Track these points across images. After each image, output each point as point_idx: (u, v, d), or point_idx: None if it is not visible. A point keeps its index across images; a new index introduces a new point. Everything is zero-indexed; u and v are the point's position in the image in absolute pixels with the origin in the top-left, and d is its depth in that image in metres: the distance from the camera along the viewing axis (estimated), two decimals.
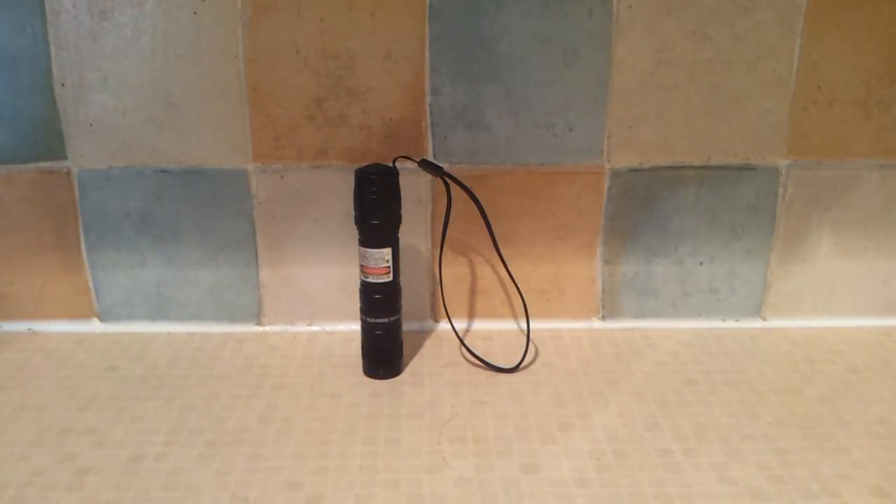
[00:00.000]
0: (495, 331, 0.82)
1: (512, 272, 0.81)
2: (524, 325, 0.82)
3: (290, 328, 0.83)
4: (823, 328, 0.83)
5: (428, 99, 0.75)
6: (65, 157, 0.77)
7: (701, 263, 0.81)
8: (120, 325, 0.82)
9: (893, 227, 0.81)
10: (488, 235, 0.75)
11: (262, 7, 0.72)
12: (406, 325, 0.78)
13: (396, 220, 0.71)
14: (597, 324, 0.83)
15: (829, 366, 0.76)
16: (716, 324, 0.83)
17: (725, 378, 0.73)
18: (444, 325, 0.83)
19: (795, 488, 0.58)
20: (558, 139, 0.77)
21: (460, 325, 0.83)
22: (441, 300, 0.82)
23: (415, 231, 0.80)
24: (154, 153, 0.77)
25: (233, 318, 0.82)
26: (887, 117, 0.77)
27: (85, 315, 0.82)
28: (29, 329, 0.82)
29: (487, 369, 0.75)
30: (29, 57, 0.73)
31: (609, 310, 0.83)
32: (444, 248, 0.81)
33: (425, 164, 0.73)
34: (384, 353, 0.74)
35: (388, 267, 0.71)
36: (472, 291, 0.82)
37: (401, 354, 0.75)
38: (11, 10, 0.72)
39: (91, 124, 0.76)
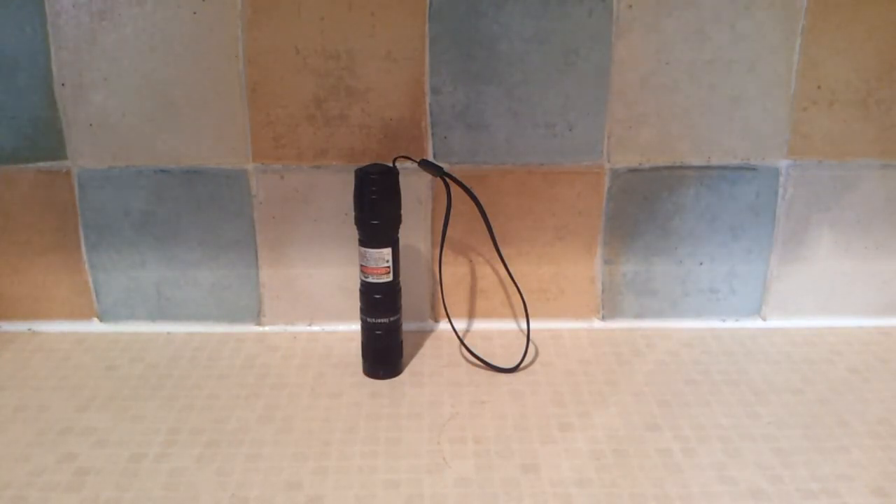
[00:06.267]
0: (495, 331, 0.82)
1: (512, 272, 0.81)
2: (524, 325, 0.82)
3: (290, 328, 0.83)
4: (823, 328, 0.83)
5: (428, 99, 0.75)
6: (65, 157, 0.77)
7: (701, 263, 0.81)
8: (120, 325, 0.82)
9: (893, 226, 0.81)
10: (488, 235, 0.75)
11: (262, 7, 0.72)
12: (406, 325, 0.79)
13: (396, 220, 0.71)
14: (597, 324, 0.83)
15: (829, 366, 0.76)
16: (716, 324, 0.83)
17: (725, 378, 0.73)
18: (444, 325, 0.83)
19: (795, 488, 0.58)
20: (558, 139, 0.77)
21: (460, 325, 0.83)
22: (441, 300, 0.82)
23: (415, 231, 0.80)
24: (154, 153, 0.77)
25: (233, 318, 0.82)
26: (887, 117, 0.77)
27: (85, 315, 0.82)
28: (29, 329, 0.82)
29: (487, 369, 0.75)
30: (29, 57, 0.73)
31: (609, 310, 0.83)
32: (444, 248, 0.81)
33: (425, 164, 0.73)
34: (384, 353, 0.74)
35: (388, 267, 0.71)
36: (472, 291, 0.82)
37: (401, 354, 0.75)
38: (11, 10, 0.72)
39: (91, 124, 0.76)
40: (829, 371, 0.75)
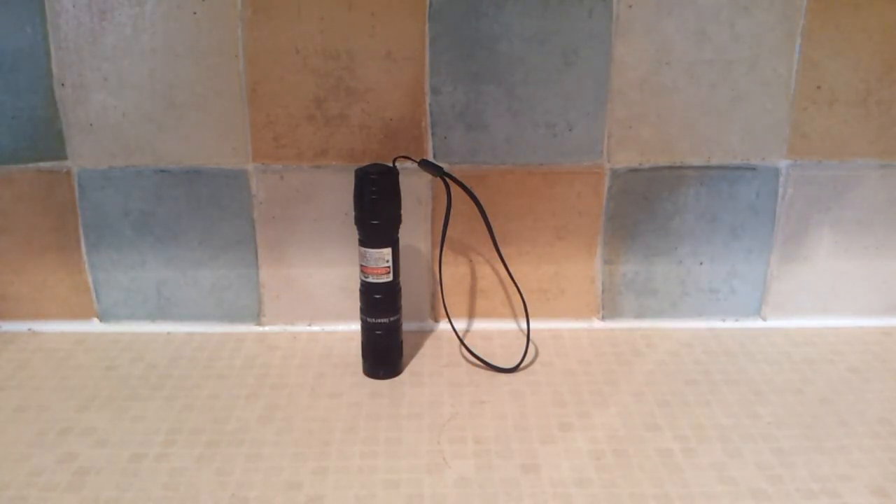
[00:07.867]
0: (495, 331, 0.82)
1: (512, 272, 0.81)
2: (524, 325, 0.82)
3: (290, 328, 0.83)
4: (823, 328, 0.83)
5: (428, 99, 0.75)
6: (65, 157, 0.77)
7: (701, 263, 0.81)
8: (120, 325, 0.82)
9: (893, 226, 0.81)
10: (488, 235, 0.75)
11: (262, 7, 0.72)
12: (406, 325, 0.78)
13: (396, 220, 0.71)
14: (597, 324, 0.83)
15: (829, 366, 0.76)
16: (716, 324, 0.83)
17: (725, 378, 0.73)
18: (444, 325, 0.83)
19: (795, 488, 0.58)
20: (558, 139, 0.77)
21: (460, 325, 0.83)
22: (441, 300, 0.82)
23: (415, 231, 0.80)
24: (154, 153, 0.77)
25: (233, 318, 0.82)
26: (887, 117, 0.77)
27: (85, 315, 0.82)
28: (29, 329, 0.82)
29: (487, 369, 0.75)
30: (29, 57, 0.73)
31: (609, 310, 0.83)
32: (444, 248, 0.81)
33: (425, 164, 0.73)
34: (384, 353, 0.74)
35: (388, 267, 0.71)
36: (472, 291, 0.82)
37: (401, 354, 0.75)
38: (11, 10, 0.72)
39: (91, 124, 0.76)
40: (829, 371, 0.75)
